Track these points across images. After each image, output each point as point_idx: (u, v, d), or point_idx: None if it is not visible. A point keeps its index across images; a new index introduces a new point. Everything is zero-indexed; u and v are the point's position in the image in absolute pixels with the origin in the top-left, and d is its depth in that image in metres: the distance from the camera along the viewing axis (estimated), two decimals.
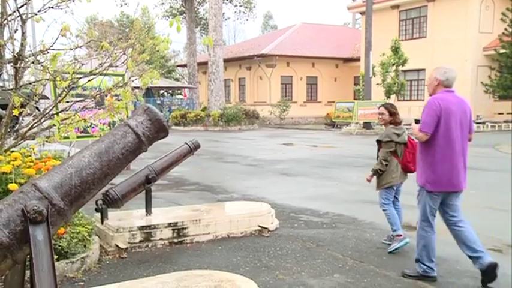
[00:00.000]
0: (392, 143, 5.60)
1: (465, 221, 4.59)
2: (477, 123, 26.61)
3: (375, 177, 5.77)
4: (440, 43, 29.37)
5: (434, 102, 4.45)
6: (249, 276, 4.19)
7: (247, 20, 63.93)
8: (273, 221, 6.53)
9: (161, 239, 5.69)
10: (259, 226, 6.22)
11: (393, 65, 26.62)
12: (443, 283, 4.49)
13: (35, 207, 2.31)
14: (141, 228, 5.66)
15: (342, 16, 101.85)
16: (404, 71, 28.97)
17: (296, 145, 19.01)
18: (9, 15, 4.70)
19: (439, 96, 4.49)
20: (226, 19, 45.46)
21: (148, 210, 6.17)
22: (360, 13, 35.08)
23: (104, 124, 10.22)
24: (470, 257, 4.48)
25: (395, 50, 26.39)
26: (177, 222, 5.85)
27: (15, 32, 4.77)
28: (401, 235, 5.48)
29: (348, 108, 27.21)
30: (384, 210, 5.66)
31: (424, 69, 30.06)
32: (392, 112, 5.80)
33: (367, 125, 25.96)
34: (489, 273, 4.37)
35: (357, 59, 34.50)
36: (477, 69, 28.52)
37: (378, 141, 5.78)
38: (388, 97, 26.75)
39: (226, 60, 33.37)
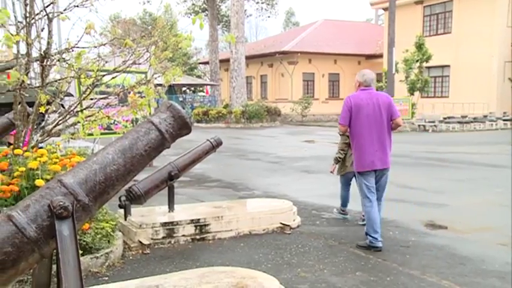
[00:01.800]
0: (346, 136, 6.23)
1: (381, 203, 5.60)
2: (504, 120, 26.13)
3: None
4: (465, 39, 28.88)
5: (346, 99, 5.53)
6: (271, 273, 4.18)
7: (269, 17, 63.71)
8: (295, 218, 6.51)
9: (183, 235, 5.73)
10: (281, 223, 6.21)
11: (417, 61, 26.28)
12: (470, 283, 4.41)
13: (61, 203, 2.35)
14: (164, 224, 5.71)
15: (365, 12, 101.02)
16: (428, 68, 28.59)
17: (318, 142, 18.92)
18: (37, 14, 4.78)
19: (351, 94, 5.60)
20: (248, 16, 45.51)
21: (170, 207, 6.21)
22: (383, 9, 34.68)
23: (127, 121, 10.32)
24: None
25: (419, 46, 26.05)
26: (199, 219, 5.88)
27: (42, 30, 4.85)
28: (344, 210, 6.88)
29: None
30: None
31: (448, 66, 29.65)
32: None
33: None
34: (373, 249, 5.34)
35: (380, 56, 34.18)
36: (504, 65, 27.97)
37: (339, 133, 6.63)
38: (412, 94, 26.44)
39: (248, 58, 33.38)
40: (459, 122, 25.76)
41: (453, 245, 5.55)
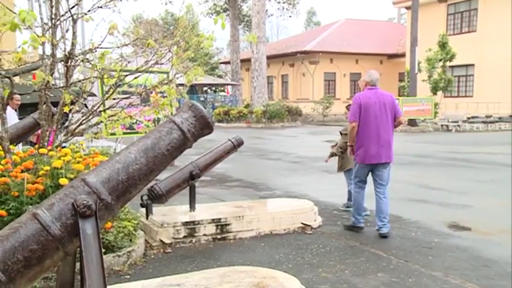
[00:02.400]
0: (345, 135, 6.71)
1: (386, 194, 6.10)
2: None
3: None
4: (490, 37, 28.37)
5: (356, 98, 5.98)
6: (292, 273, 4.17)
7: (290, 16, 63.52)
8: (316, 218, 6.49)
9: (205, 234, 5.75)
10: (302, 223, 6.20)
11: (440, 60, 25.92)
12: (495, 286, 4.33)
13: (84, 202, 2.38)
14: (185, 223, 5.74)
15: (387, 11, 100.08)
16: (452, 67, 28.18)
17: None
18: (62, 15, 4.85)
19: (360, 93, 6.05)
20: (269, 16, 45.47)
21: (192, 206, 6.24)
22: (406, 8, 34.30)
23: (148, 121, 10.40)
24: (379, 224, 5.99)
25: (443, 45, 25.69)
26: (220, 218, 5.90)
27: (67, 31, 4.93)
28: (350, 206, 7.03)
29: None
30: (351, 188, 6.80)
31: (473, 65, 29.18)
32: None
33: (412, 122, 25.40)
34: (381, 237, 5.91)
35: (402, 55, 33.82)
36: None
37: (340, 133, 7.19)
38: (435, 93, 26.11)
39: (269, 57, 33.37)
40: (483, 122, 25.34)
41: (477, 247, 5.46)
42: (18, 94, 7.05)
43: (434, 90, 26.13)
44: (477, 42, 29.15)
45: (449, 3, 31.40)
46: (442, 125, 25.47)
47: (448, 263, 4.91)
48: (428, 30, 28.73)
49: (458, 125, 24.69)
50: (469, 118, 25.88)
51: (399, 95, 30.01)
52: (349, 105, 6.34)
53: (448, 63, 26.27)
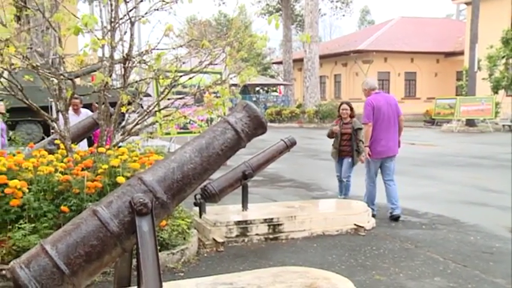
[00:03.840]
0: None
1: (394, 181, 6.84)
2: None
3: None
4: None
5: (369, 101, 6.72)
6: (345, 274, 4.12)
7: (343, 15, 62.79)
8: (369, 219, 6.38)
9: (257, 234, 5.77)
10: (355, 225, 6.10)
11: (503, 57, 24.80)
12: None
13: (141, 200, 2.44)
14: (238, 223, 5.78)
15: (445, 8, 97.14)
16: None
17: None
18: (121, 18, 5.00)
19: (371, 97, 6.78)
20: (322, 15, 45.11)
21: (244, 206, 6.28)
22: (466, 3, 33.06)
23: (202, 120, 10.55)
24: (391, 207, 6.74)
25: (507, 41, 24.53)
26: (272, 218, 5.91)
27: (125, 34, 5.07)
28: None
29: (449, 105, 25.86)
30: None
31: None
32: (352, 108, 7.72)
33: (470, 122, 24.49)
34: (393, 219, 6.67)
35: (460, 53, 32.65)
36: None
37: (359, 129, 7.40)
38: (495, 92, 25.04)
39: (321, 57, 33.09)
40: None
41: None
42: (79, 95, 7.31)
43: (496, 89, 25.04)
44: None
45: None
46: (503, 125, 24.39)
47: (510, 270, 4.69)
48: (490, 27, 27.51)
49: None
50: None
51: (457, 94, 29.05)
52: (341, 104, 7.69)
53: (511, 61, 25.07)
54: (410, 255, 5.17)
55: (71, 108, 7.74)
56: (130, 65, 5.18)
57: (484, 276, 4.55)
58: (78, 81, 5.65)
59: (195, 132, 11.96)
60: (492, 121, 24.25)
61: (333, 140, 7.74)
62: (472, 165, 12.24)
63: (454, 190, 8.94)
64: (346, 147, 7.52)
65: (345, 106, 7.68)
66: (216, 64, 5.57)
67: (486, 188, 9.07)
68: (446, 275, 4.57)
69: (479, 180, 10.04)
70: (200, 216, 5.96)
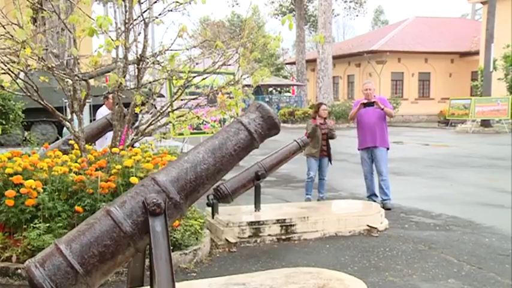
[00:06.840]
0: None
1: (384, 177, 7.48)
2: None
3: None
4: None
5: (385, 98, 7.93)
6: (358, 276, 4.10)
7: (357, 16, 62.31)
8: (382, 220, 6.34)
9: (269, 234, 5.77)
10: (368, 226, 6.07)
11: None
12: None
13: (154, 200, 2.45)
14: (250, 223, 5.78)
15: (460, 8, 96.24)
16: None
17: (407, 143, 18.27)
18: (135, 20, 5.03)
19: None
20: (335, 16, 44.91)
21: (257, 206, 6.28)
22: (482, 3, 32.69)
23: (214, 121, 10.58)
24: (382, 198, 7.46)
25: None
26: (285, 219, 5.90)
27: (139, 35, 5.11)
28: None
29: (464, 106, 25.60)
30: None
31: None
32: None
33: (485, 123, 24.22)
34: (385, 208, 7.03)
35: (476, 53, 32.32)
36: None
37: (332, 129, 7.98)
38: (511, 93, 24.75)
39: (335, 57, 32.99)
40: None
41: None
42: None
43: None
44: None
45: None
46: None
47: None
48: (506, 26, 27.17)
49: None
50: None
51: (471, 95, 28.73)
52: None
53: None
54: (423, 257, 5.13)
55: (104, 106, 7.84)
56: (144, 65, 5.21)
57: (499, 278, 4.49)
58: (92, 82, 5.68)
59: (208, 133, 12.00)
60: (508, 122, 23.94)
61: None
62: (487, 166, 12.11)
63: (469, 191, 8.85)
64: (324, 147, 7.74)
65: (324, 107, 7.87)
66: (230, 65, 5.57)
67: (502, 190, 8.96)
68: (460, 277, 4.53)
69: (495, 181, 9.93)
70: (213, 217, 5.97)
